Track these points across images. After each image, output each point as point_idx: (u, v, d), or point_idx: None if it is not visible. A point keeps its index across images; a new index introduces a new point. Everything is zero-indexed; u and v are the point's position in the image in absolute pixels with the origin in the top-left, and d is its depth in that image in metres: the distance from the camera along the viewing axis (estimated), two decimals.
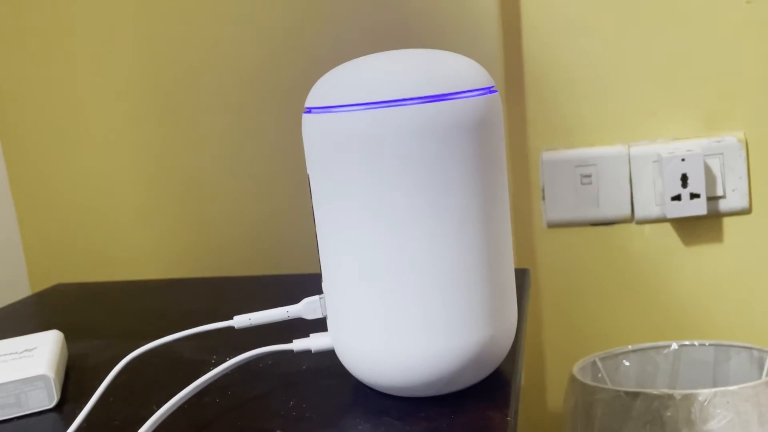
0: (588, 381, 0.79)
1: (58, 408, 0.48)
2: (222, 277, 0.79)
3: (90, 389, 0.49)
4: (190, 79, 0.86)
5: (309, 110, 0.41)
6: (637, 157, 0.87)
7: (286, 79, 0.84)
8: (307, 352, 0.46)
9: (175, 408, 0.43)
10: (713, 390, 0.68)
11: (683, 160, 0.84)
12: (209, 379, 0.45)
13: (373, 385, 0.43)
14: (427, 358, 0.40)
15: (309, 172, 0.43)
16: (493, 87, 0.41)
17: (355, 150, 0.39)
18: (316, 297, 0.46)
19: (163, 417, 0.42)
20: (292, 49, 0.83)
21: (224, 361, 0.51)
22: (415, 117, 0.38)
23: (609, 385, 0.84)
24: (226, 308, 0.67)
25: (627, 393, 0.71)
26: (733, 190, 0.86)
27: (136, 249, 0.91)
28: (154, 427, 0.41)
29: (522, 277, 0.63)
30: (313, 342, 0.45)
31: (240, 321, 0.47)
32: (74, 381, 0.52)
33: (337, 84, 0.40)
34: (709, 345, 0.86)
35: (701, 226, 0.88)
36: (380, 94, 0.38)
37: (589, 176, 0.88)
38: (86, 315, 0.69)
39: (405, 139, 0.38)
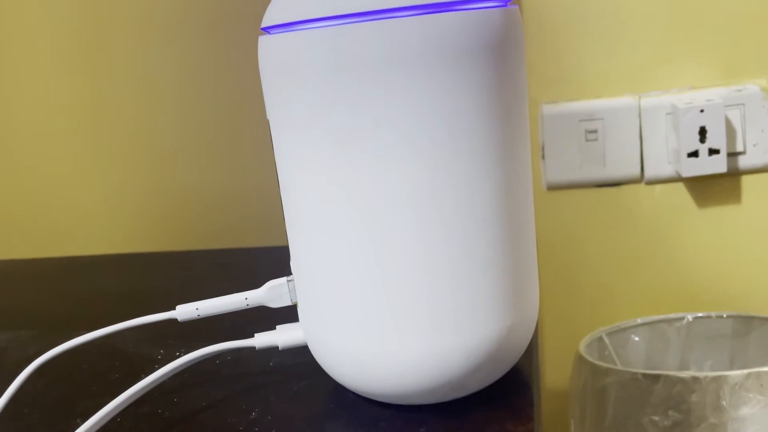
0: (595, 359, 0.71)
1: None
2: (180, 251, 0.69)
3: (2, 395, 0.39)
4: (138, 16, 0.75)
5: (267, 30, 0.31)
6: (648, 110, 0.77)
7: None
8: (273, 349, 0.36)
9: (103, 423, 0.33)
10: (745, 372, 0.60)
11: (702, 111, 0.74)
12: (148, 385, 0.35)
13: (359, 390, 0.34)
14: (431, 357, 0.31)
15: (269, 116, 0.32)
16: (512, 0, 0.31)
17: (332, 80, 0.28)
18: (283, 279, 0.36)
19: None
20: None
21: (173, 356, 0.42)
22: (412, 33, 0.28)
23: (619, 365, 0.76)
24: (184, 288, 0.57)
25: (645, 375, 0.63)
26: (754, 145, 0.77)
27: (80, 218, 0.80)
28: None
29: None
30: (281, 336, 0.36)
31: (184, 312, 0.37)
32: None
33: None
34: (727, 317, 0.78)
35: (717, 186, 0.79)
36: (366, 2, 0.28)
37: (595, 132, 0.79)
38: (14, 298, 0.59)
39: (399, 64, 0.28)
